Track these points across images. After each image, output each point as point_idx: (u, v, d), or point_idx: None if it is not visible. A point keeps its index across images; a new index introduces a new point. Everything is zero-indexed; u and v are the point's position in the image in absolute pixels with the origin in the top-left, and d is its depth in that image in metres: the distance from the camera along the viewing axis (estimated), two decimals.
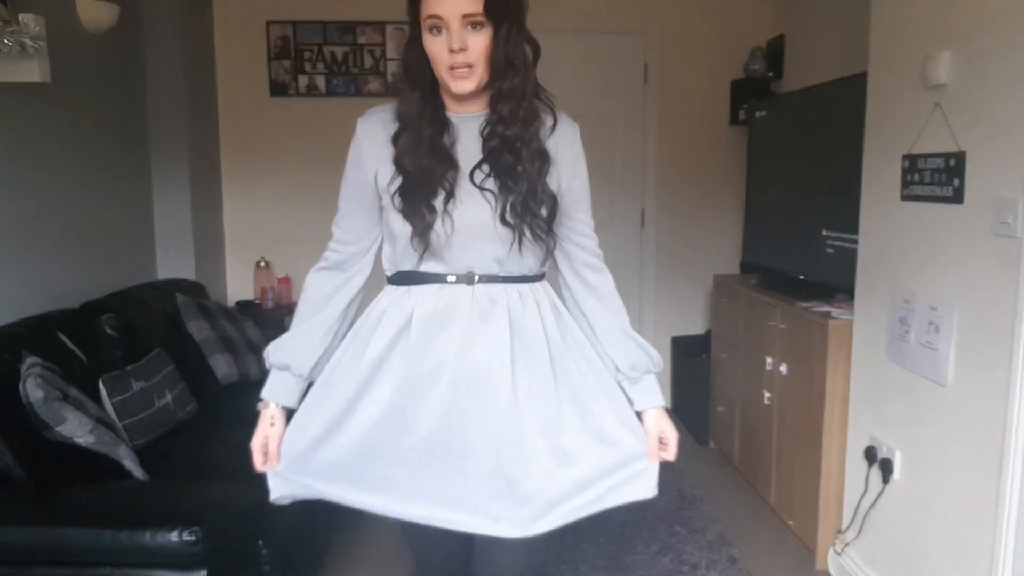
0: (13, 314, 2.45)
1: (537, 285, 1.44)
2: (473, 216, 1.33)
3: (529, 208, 1.32)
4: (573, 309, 1.49)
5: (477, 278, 1.37)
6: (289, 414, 1.44)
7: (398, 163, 1.33)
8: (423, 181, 1.31)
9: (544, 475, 1.34)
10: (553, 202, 1.37)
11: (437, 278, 1.37)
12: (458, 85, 1.28)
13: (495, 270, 1.37)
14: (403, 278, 1.40)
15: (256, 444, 1.41)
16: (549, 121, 1.37)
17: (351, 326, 1.45)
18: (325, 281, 1.45)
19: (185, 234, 3.69)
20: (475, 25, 1.25)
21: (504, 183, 1.32)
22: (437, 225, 1.31)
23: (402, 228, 1.34)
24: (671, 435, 1.46)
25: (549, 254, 1.41)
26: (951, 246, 2.00)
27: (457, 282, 1.37)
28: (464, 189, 1.33)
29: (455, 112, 1.37)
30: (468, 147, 1.35)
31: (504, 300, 1.37)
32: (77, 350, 2.43)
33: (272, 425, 1.42)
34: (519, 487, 1.33)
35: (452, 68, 1.27)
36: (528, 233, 1.34)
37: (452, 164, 1.33)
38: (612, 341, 1.46)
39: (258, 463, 1.41)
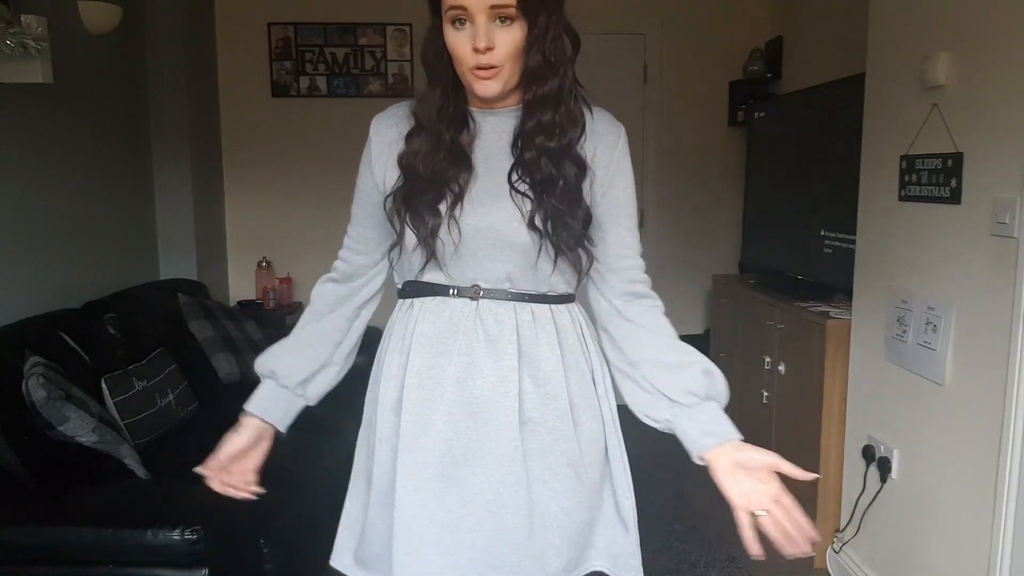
0: (16, 314, 2.46)
1: (560, 308, 1.25)
2: (485, 223, 1.18)
3: (563, 217, 1.17)
4: (609, 351, 1.28)
5: (482, 292, 1.21)
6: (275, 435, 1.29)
7: (406, 165, 1.20)
8: (430, 185, 1.17)
9: (556, 531, 1.23)
10: (587, 216, 1.22)
11: (438, 290, 1.22)
12: (483, 87, 1.14)
13: (504, 286, 1.21)
14: (407, 289, 1.27)
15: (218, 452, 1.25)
16: (588, 122, 1.23)
17: (355, 347, 1.33)
18: (329, 292, 1.32)
19: (187, 234, 3.70)
20: (504, 19, 1.09)
21: (538, 193, 1.17)
22: (443, 231, 1.17)
23: (405, 234, 1.21)
24: (773, 462, 1.17)
25: (583, 274, 1.24)
26: (949, 246, 2.01)
27: (459, 295, 1.21)
28: (477, 193, 1.19)
29: (479, 108, 1.22)
30: (489, 146, 1.21)
31: (512, 323, 1.20)
32: (79, 350, 2.44)
33: (238, 434, 1.24)
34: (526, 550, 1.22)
35: (476, 69, 1.12)
36: (558, 245, 1.18)
37: (467, 166, 1.19)
38: (655, 364, 1.25)
39: (206, 468, 1.26)
